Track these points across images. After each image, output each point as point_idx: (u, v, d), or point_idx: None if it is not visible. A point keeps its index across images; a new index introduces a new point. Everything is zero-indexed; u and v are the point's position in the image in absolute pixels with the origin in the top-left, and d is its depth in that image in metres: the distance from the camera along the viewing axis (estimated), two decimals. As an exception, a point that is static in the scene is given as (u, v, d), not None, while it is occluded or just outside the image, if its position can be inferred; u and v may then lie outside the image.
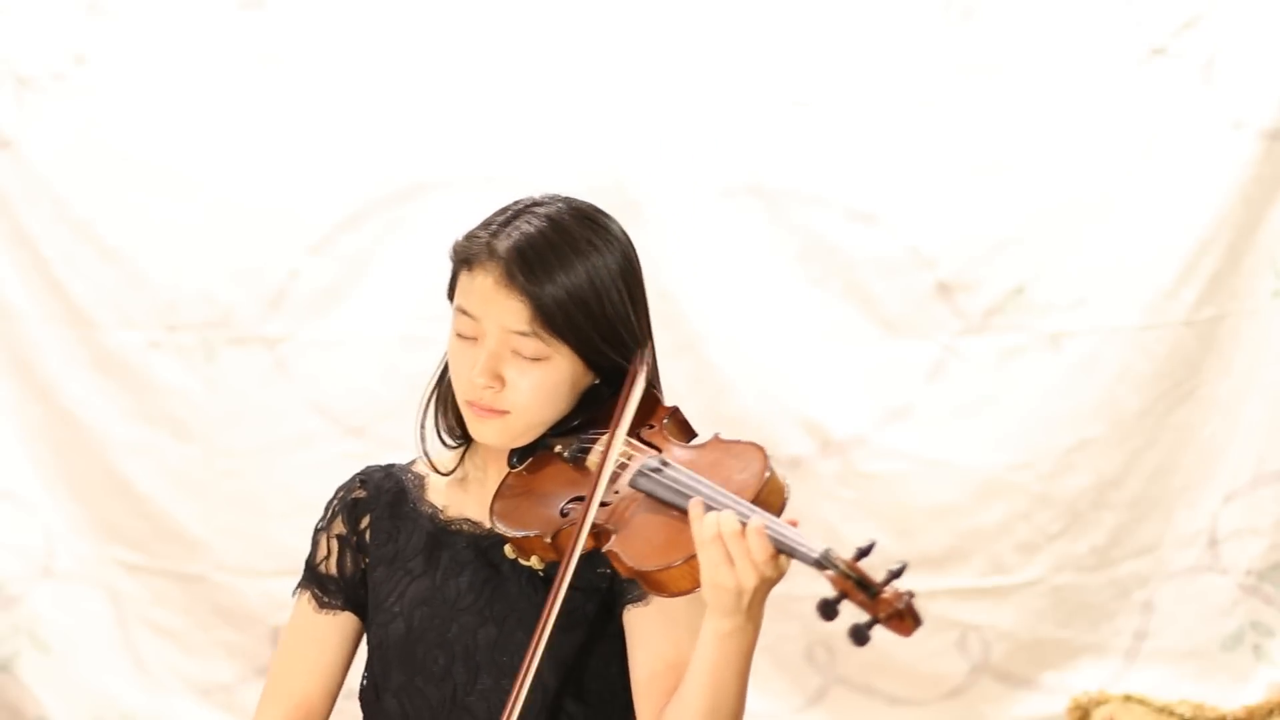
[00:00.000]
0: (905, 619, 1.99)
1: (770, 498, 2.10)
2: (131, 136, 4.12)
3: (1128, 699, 3.96)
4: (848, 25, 4.05)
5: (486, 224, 2.25)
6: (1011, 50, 4.03)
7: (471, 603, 2.25)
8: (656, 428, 2.23)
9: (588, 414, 2.26)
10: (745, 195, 4.08)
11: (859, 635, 1.98)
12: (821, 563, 2.00)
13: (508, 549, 2.23)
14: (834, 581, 2.00)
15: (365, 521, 2.35)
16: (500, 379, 2.21)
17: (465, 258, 2.23)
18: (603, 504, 2.15)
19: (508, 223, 2.23)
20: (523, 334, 2.19)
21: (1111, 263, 4.04)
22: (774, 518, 2.05)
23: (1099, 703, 3.97)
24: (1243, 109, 3.97)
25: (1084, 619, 4.12)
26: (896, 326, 4.09)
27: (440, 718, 2.26)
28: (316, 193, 4.12)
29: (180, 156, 4.12)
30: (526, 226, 2.22)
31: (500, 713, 2.17)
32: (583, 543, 2.13)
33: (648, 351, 2.23)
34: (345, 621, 2.34)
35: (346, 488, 2.38)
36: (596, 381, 2.27)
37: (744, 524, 2.03)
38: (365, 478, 2.38)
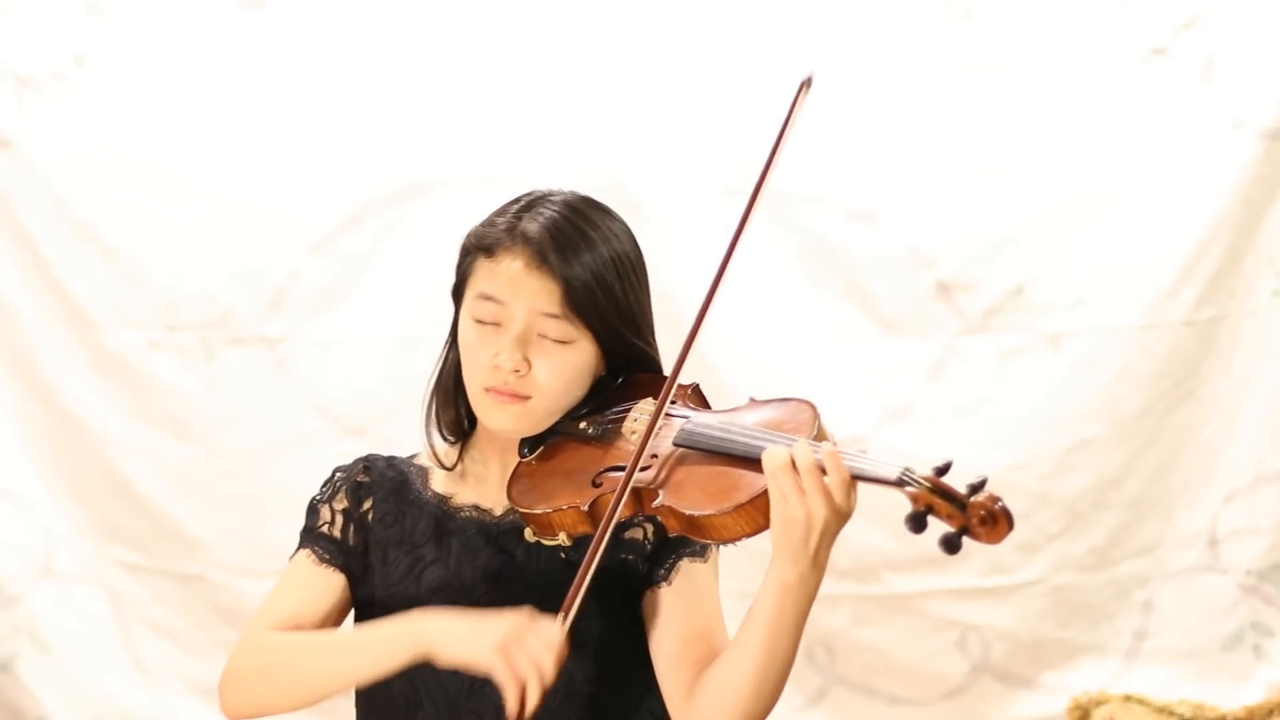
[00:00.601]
0: (999, 521, 1.96)
1: (825, 438, 2.09)
2: (131, 136, 4.12)
3: (1128, 699, 3.97)
4: (848, 25, 4.05)
5: (502, 212, 2.27)
6: (1011, 50, 4.03)
7: (488, 590, 2.25)
8: (679, 403, 2.23)
9: (595, 402, 2.27)
10: (745, 195, 4.06)
11: (951, 544, 1.96)
12: (903, 480, 2.00)
13: (528, 532, 2.22)
14: (917, 498, 1.99)
15: (368, 504, 2.35)
16: (527, 361, 2.22)
17: (486, 245, 2.24)
18: (644, 468, 2.14)
19: (527, 209, 2.25)
20: (553, 315, 2.21)
21: (1111, 263, 4.04)
22: (846, 448, 2.04)
23: (1099, 703, 3.97)
24: (1243, 109, 3.97)
25: (1084, 619, 4.12)
26: (896, 326, 4.10)
27: (456, 703, 2.27)
28: (316, 193, 4.13)
29: (180, 156, 4.12)
30: (549, 212, 2.24)
31: None
32: (618, 503, 2.09)
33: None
34: (339, 583, 2.33)
35: (349, 469, 2.39)
36: (603, 374, 2.28)
37: (816, 453, 2.02)
38: (369, 463, 2.39)
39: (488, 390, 2.24)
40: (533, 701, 2.06)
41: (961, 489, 1.98)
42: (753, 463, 2.06)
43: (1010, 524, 1.96)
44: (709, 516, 2.07)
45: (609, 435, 2.22)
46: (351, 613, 2.38)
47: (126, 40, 4.12)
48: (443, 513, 2.33)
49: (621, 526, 2.19)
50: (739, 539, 2.09)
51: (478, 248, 2.25)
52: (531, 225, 2.22)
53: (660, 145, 4.07)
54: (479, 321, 2.24)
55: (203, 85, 4.12)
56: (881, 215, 4.07)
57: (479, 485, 2.34)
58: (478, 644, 2.09)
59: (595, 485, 2.17)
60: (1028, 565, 4.11)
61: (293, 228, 4.13)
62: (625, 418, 2.22)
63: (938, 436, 4.09)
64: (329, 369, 4.15)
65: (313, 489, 2.41)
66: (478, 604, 2.24)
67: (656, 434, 2.15)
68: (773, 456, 2.03)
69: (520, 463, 2.26)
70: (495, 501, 2.30)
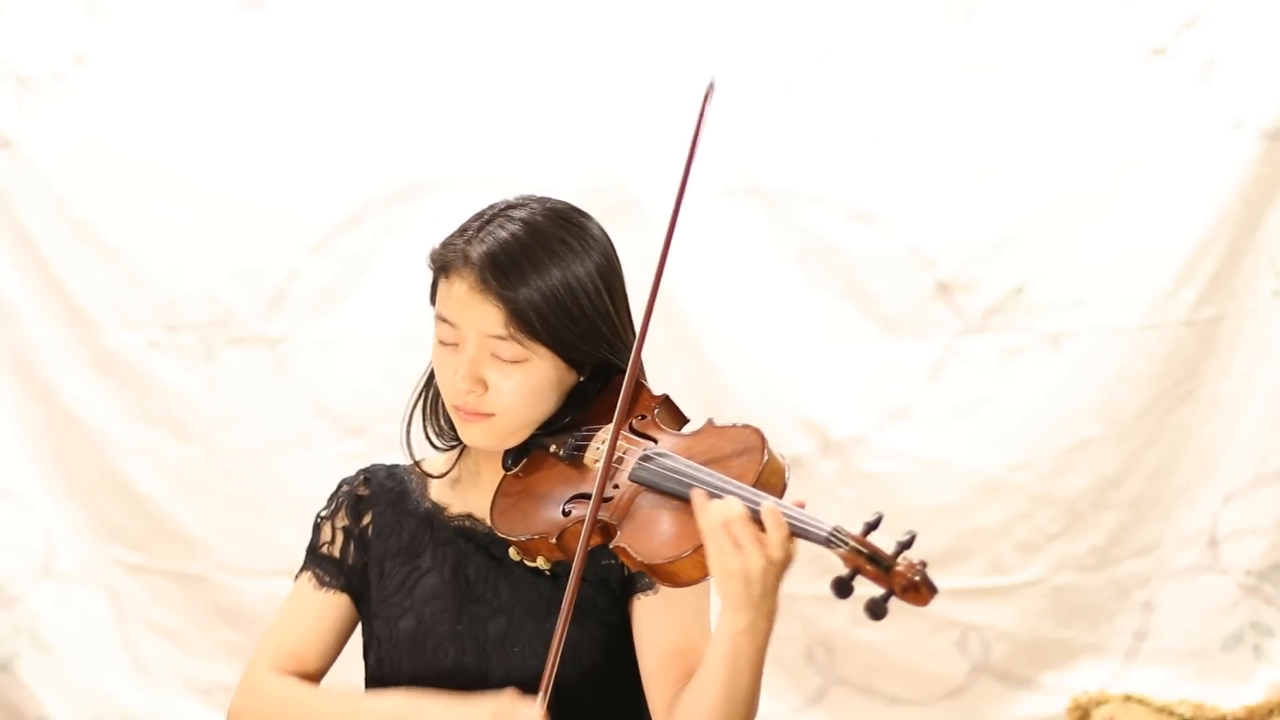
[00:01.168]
0: (920, 590, 1.98)
1: (771, 479, 2.11)
2: (131, 136, 4.12)
3: (1128, 699, 3.96)
4: (848, 25, 4.05)
5: (462, 230, 2.28)
6: (1011, 50, 4.03)
7: (479, 595, 2.26)
8: (648, 418, 2.24)
9: (576, 410, 2.28)
10: (745, 195, 4.08)
11: (876, 610, 1.98)
12: (831, 540, 2.01)
13: (512, 551, 2.24)
14: (845, 559, 2.00)
15: (368, 518, 2.37)
16: (482, 383, 2.24)
17: (442, 265, 2.27)
18: (605, 499, 2.16)
19: (482, 228, 2.26)
20: (499, 338, 2.22)
21: (1111, 263, 4.04)
22: (781, 502, 2.05)
23: (1099, 703, 3.97)
24: (1243, 109, 3.97)
25: (1084, 619, 4.12)
26: (896, 326, 4.09)
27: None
28: (316, 193, 4.13)
29: (180, 156, 4.12)
30: (500, 232, 2.24)
31: None
32: (586, 542, 2.13)
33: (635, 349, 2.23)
34: (342, 603, 2.36)
35: (351, 482, 2.41)
36: (581, 379, 2.29)
37: (751, 509, 2.04)
38: (369, 475, 2.41)
39: (456, 408, 2.27)
40: None
41: (890, 548, 1.99)
42: None
43: (932, 592, 1.99)
44: (660, 565, 2.10)
45: (576, 461, 2.24)
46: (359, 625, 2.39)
47: (126, 40, 4.12)
48: (438, 522, 2.35)
49: (597, 553, 2.20)
50: (693, 583, 2.11)
51: (437, 267, 2.29)
52: (478, 248, 2.23)
53: (660, 145, 4.07)
54: (441, 342, 2.27)
55: (203, 85, 4.12)
56: (881, 215, 4.07)
57: (472, 491, 2.36)
58: None
59: (565, 514, 2.20)
60: (1028, 565, 4.11)
61: (293, 228, 4.13)
62: (589, 444, 2.24)
63: (938, 436, 4.09)
64: (329, 369, 4.15)
65: (313, 489, 2.43)
66: (469, 608, 2.28)
67: (619, 463, 2.17)
68: (707, 516, 2.05)
69: (505, 477, 2.29)
70: (486, 510, 2.32)
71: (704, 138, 2.22)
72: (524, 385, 2.24)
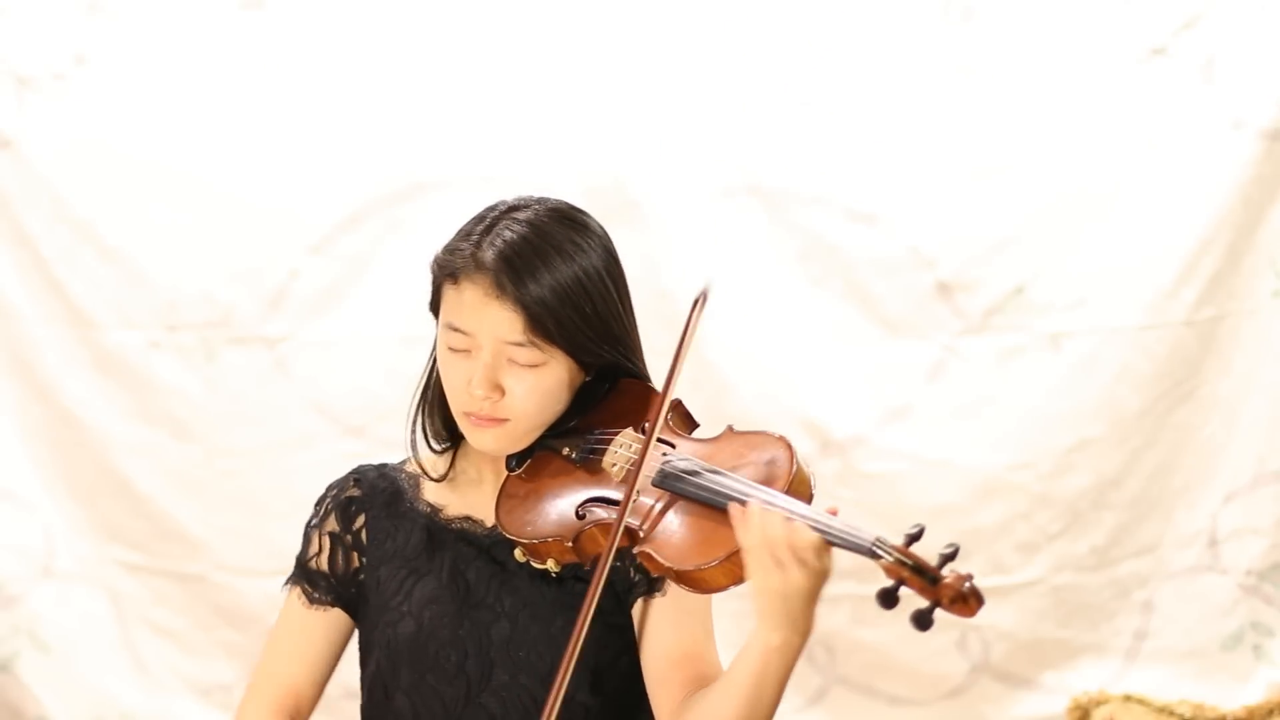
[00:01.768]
0: (969, 601, 1.96)
1: (799, 488, 2.09)
2: (131, 136, 4.12)
3: (1128, 699, 3.97)
4: (848, 25, 4.05)
5: (466, 235, 2.24)
6: (1011, 50, 4.03)
7: (482, 599, 2.25)
8: (664, 422, 2.22)
9: (582, 411, 2.26)
10: (745, 195, 4.08)
11: (922, 621, 1.96)
12: (874, 551, 1.98)
13: (518, 552, 2.22)
14: (889, 570, 1.98)
15: (360, 521, 2.35)
16: (499, 389, 2.20)
17: (450, 272, 2.22)
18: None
19: (488, 231, 2.22)
20: (518, 344, 2.19)
21: (1111, 263, 4.04)
22: (818, 510, 2.03)
23: (1099, 703, 3.97)
24: (1243, 109, 3.97)
25: (1084, 619, 4.12)
26: (896, 326, 4.09)
27: (453, 715, 2.27)
28: (316, 193, 4.12)
29: (180, 156, 4.12)
30: (508, 234, 2.20)
31: (514, 708, 2.21)
32: (613, 545, 2.10)
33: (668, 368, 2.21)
34: (334, 618, 2.34)
35: (339, 486, 2.38)
36: (587, 378, 2.27)
37: (789, 521, 2.01)
38: (359, 476, 2.38)
39: (466, 415, 2.24)
40: None
41: (934, 560, 1.97)
42: (728, 515, 2.06)
43: (980, 603, 1.96)
44: (688, 572, 2.08)
45: (591, 464, 2.22)
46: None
47: (126, 40, 4.12)
48: (435, 525, 2.32)
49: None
50: (719, 591, 2.09)
51: (444, 274, 2.24)
52: (489, 251, 2.19)
53: (660, 145, 4.07)
54: (451, 349, 2.23)
55: (203, 85, 4.12)
56: (881, 215, 4.07)
57: (472, 493, 2.33)
58: None
59: (579, 517, 2.18)
60: (1028, 565, 4.11)
61: (293, 228, 4.13)
62: (606, 449, 2.21)
63: (938, 436, 4.09)
64: (329, 369, 4.15)
65: (313, 489, 2.41)
66: (471, 612, 2.26)
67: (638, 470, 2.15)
68: (747, 529, 2.02)
69: (509, 477, 2.27)
70: (487, 511, 2.30)
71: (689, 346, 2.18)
72: (539, 388, 2.21)
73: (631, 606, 2.27)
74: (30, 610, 4.22)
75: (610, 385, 2.28)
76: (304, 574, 2.35)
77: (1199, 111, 3.99)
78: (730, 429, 2.20)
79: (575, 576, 2.23)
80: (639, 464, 2.13)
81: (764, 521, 2.02)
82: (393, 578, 2.30)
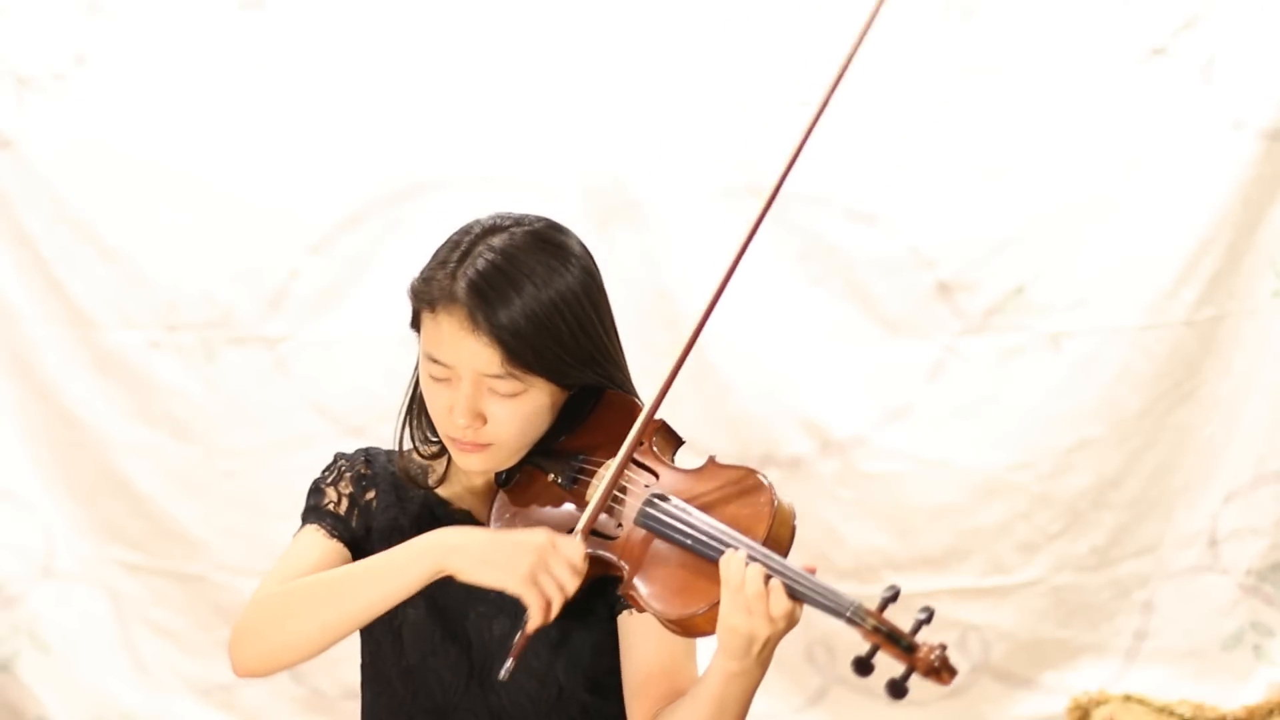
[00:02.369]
0: (942, 673, 2.01)
1: (780, 530, 2.10)
2: (131, 136, 4.12)
3: (1128, 699, 3.97)
4: (848, 25, 4.04)
5: (442, 263, 2.22)
6: (1011, 50, 4.03)
7: (483, 593, 2.25)
8: (646, 444, 2.23)
9: (567, 428, 2.26)
10: (745, 195, 4.07)
11: (897, 690, 2.01)
12: (853, 619, 2.01)
13: None
14: (866, 636, 2.01)
15: (371, 494, 2.36)
16: (481, 417, 2.21)
17: (427, 301, 2.22)
18: (610, 538, 2.16)
19: (462, 260, 2.20)
20: (497, 376, 2.18)
21: (1111, 263, 4.04)
22: (799, 571, 2.05)
23: (1099, 703, 3.97)
24: (1243, 109, 3.97)
25: (1084, 619, 4.12)
26: (896, 326, 4.09)
27: (451, 702, 2.28)
28: (316, 193, 4.12)
29: (180, 156, 4.12)
30: (481, 263, 2.19)
31: (512, 702, 2.23)
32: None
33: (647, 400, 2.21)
34: (345, 556, 2.31)
35: (352, 459, 2.39)
36: (570, 393, 2.26)
37: (769, 579, 2.04)
38: (370, 457, 2.39)
39: (451, 440, 2.24)
40: (554, 614, 2.10)
41: (908, 627, 2.01)
42: (710, 563, 2.08)
43: (952, 674, 2.02)
44: (671, 620, 2.10)
45: (576, 492, 2.23)
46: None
47: (126, 40, 4.12)
48: (439, 514, 2.33)
49: (601, 581, 2.21)
50: (703, 635, 2.12)
51: (420, 302, 2.23)
52: (461, 282, 2.18)
53: (660, 145, 4.07)
54: (432, 378, 2.23)
55: (203, 85, 4.12)
56: (882, 215, 4.07)
57: (468, 496, 2.35)
58: (503, 569, 2.10)
59: None
60: (1028, 565, 4.11)
61: (293, 228, 4.13)
62: (590, 479, 2.22)
63: (938, 436, 4.09)
64: (329, 369, 4.15)
65: (316, 477, 2.41)
66: (474, 605, 2.27)
67: (620, 500, 2.17)
68: (727, 574, 2.05)
69: (499, 493, 2.29)
70: (483, 510, 2.31)
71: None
72: (520, 414, 2.21)
73: (618, 616, 2.28)
74: (30, 610, 4.22)
75: (597, 398, 2.28)
76: (321, 515, 2.33)
77: (1199, 111, 3.99)
78: (712, 460, 2.20)
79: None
80: (600, 504, 2.15)
81: (745, 576, 2.05)
82: None
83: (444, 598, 2.27)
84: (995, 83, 4.03)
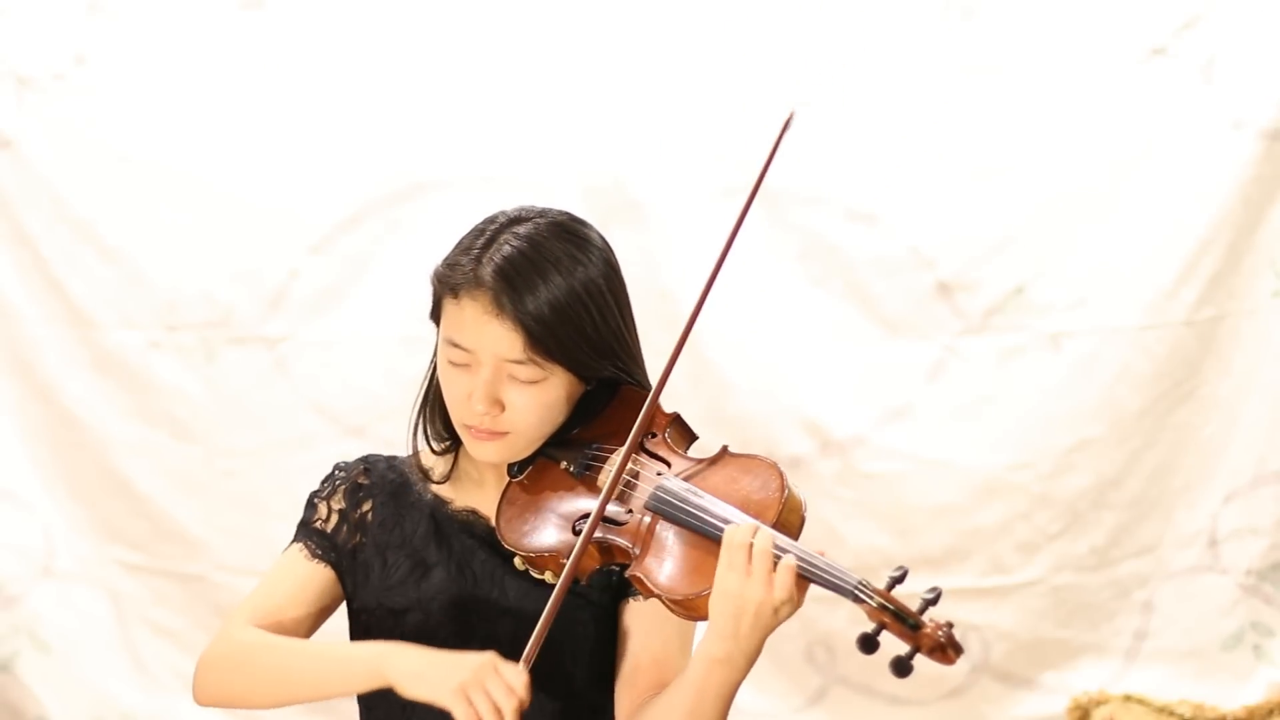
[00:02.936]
0: (947, 651, 1.99)
1: (790, 516, 2.10)
2: (131, 136, 4.12)
3: (1128, 699, 3.97)
4: (848, 25, 4.05)
5: (466, 249, 2.23)
6: (1011, 50, 4.03)
7: (486, 594, 2.25)
8: (659, 436, 2.23)
9: (584, 420, 2.27)
10: (745, 195, 4.07)
11: (901, 667, 1.98)
12: (857, 595, 2.01)
13: (518, 561, 2.23)
14: (871, 614, 2.01)
15: (367, 506, 2.36)
16: (499, 404, 2.21)
17: (450, 286, 2.23)
18: (620, 524, 2.16)
19: (487, 246, 2.22)
20: (518, 361, 2.19)
21: (1111, 263, 4.04)
22: (806, 549, 2.05)
23: (1099, 703, 3.97)
24: (1243, 109, 3.97)
25: (1084, 619, 4.12)
26: (896, 326, 4.10)
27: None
28: (316, 193, 4.13)
29: (180, 156, 4.12)
30: (507, 249, 2.20)
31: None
32: (576, 560, 2.13)
33: (653, 379, 2.21)
34: (329, 577, 2.33)
35: (349, 469, 2.39)
36: (589, 388, 2.27)
37: (777, 556, 2.03)
38: (369, 465, 2.39)
39: (467, 428, 2.25)
40: None
41: (915, 604, 2.00)
42: (719, 544, 2.07)
43: (958, 653, 1.99)
44: (676, 599, 2.09)
45: (588, 479, 2.23)
46: (346, 612, 2.38)
47: (126, 40, 4.12)
48: (442, 515, 2.33)
49: (606, 572, 2.21)
50: (705, 619, 2.10)
51: (444, 289, 2.24)
52: (488, 268, 2.19)
53: (660, 145, 4.07)
54: (451, 363, 2.23)
55: (203, 85, 4.12)
56: (881, 215, 4.07)
57: (476, 491, 2.34)
58: (438, 683, 2.09)
59: (575, 532, 2.19)
60: (1028, 565, 4.11)
61: (293, 228, 4.14)
62: (602, 466, 2.22)
63: (938, 436, 4.09)
64: (329, 369, 4.15)
65: (312, 489, 2.41)
66: (480, 607, 2.27)
67: (631, 485, 2.17)
68: (732, 532, 2.05)
69: (510, 484, 2.28)
70: (490, 509, 2.31)
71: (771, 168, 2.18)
72: (538, 403, 2.22)
73: (618, 607, 2.28)
74: (30, 610, 4.22)
75: (612, 393, 2.28)
76: (308, 533, 2.35)
77: (1199, 111, 3.99)
78: (725, 450, 2.21)
79: (577, 578, 2.23)
80: (614, 483, 2.14)
81: (757, 533, 2.04)
82: (400, 565, 2.31)
83: (443, 598, 2.28)
84: (995, 83, 4.03)
